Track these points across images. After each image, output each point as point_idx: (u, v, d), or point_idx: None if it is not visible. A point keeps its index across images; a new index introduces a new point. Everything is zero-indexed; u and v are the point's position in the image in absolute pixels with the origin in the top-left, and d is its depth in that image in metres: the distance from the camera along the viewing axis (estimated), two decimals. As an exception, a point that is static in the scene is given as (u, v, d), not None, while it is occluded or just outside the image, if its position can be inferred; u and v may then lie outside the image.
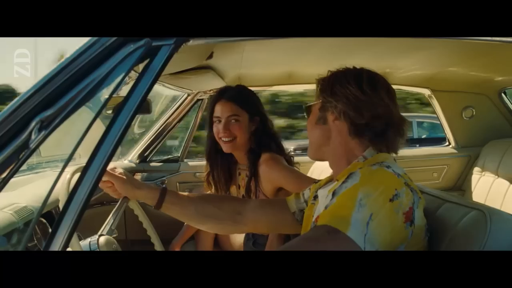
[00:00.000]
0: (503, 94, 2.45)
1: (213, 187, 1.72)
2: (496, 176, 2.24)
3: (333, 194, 0.90)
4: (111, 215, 1.20)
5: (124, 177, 1.16)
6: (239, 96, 1.59)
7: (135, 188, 1.16)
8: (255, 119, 1.60)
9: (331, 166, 1.05)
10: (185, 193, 1.22)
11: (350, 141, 0.98)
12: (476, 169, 2.40)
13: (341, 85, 0.98)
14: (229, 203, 1.20)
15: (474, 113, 2.47)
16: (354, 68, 1.02)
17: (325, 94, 1.00)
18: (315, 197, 1.08)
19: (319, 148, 1.04)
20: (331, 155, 1.02)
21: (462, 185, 2.51)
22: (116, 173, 1.15)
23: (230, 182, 1.72)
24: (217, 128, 1.59)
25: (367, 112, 0.95)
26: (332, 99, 0.98)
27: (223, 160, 1.68)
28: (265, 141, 1.58)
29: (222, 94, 1.60)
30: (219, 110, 1.58)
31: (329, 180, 1.09)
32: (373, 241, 0.80)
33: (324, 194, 1.01)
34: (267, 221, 1.18)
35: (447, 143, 2.60)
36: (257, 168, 1.55)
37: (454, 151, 2.53)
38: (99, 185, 1.15)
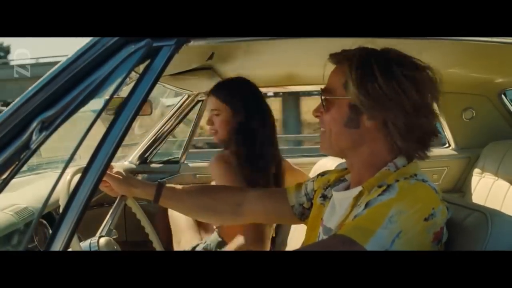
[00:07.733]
0: (503, 96, 2.45)
1: None
2: (496, 178, 2.24)
3: (366, 205, 0.81)
4: (109, 214, 1.20)
5: (120, 176, 1.16)
6: (223, 90, 1.57)
7: (131, 186, 1.16)
8: (239, 114, 1.54)
9: (353, 168, 0.95)
10: (183, 186, 1.21)
11: (382, 146, 0.89)
12: (476, 171, 2.40)
13: (386, 76, 0.82)
14: (228, 195, 1.18)
15: (474, 115, 2.46)
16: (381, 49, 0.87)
17: (363, 91, 0.84)
18: (324, 196, 1.03)
19: (341, 151, 0.93)
20: (357, 161, 0.92)
21: (462, 186, 2.50)
22: (112, 172, 1.16)
23: None
24: None
25: (417, 113, 0.84)
26: (374, 101, 0.83)
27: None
28: (241, 140, 1.50)
29: (212, 88, 1.61)
30: (207, 103, 1.61)
31: (340, 177, 1.03)
32: None
33: (342, 198, 0.94)
34: (266, 212, 1.15)
35: (447, 145, 2.59)
36: None
37: (454, 152, 2.52)
38: None
